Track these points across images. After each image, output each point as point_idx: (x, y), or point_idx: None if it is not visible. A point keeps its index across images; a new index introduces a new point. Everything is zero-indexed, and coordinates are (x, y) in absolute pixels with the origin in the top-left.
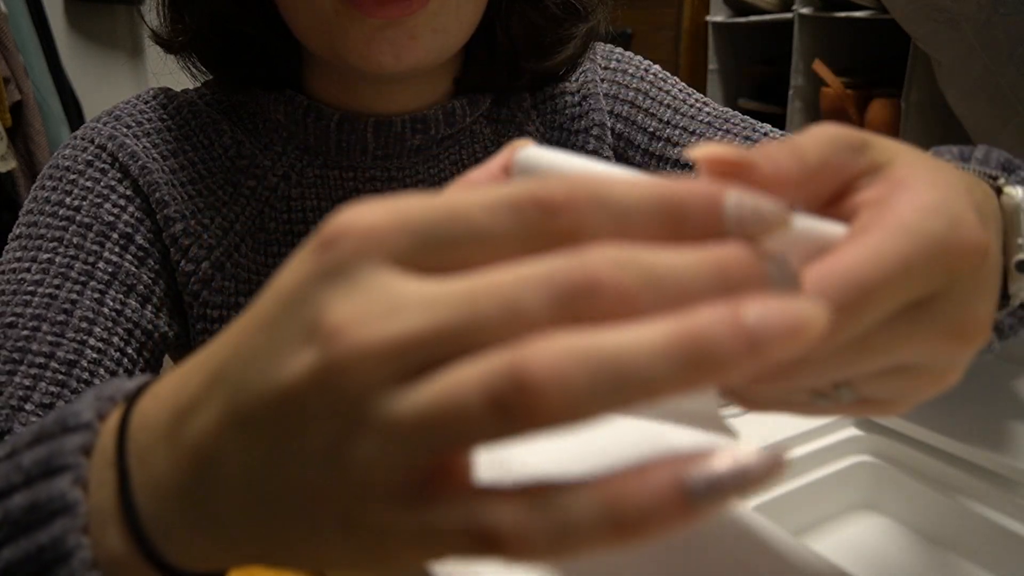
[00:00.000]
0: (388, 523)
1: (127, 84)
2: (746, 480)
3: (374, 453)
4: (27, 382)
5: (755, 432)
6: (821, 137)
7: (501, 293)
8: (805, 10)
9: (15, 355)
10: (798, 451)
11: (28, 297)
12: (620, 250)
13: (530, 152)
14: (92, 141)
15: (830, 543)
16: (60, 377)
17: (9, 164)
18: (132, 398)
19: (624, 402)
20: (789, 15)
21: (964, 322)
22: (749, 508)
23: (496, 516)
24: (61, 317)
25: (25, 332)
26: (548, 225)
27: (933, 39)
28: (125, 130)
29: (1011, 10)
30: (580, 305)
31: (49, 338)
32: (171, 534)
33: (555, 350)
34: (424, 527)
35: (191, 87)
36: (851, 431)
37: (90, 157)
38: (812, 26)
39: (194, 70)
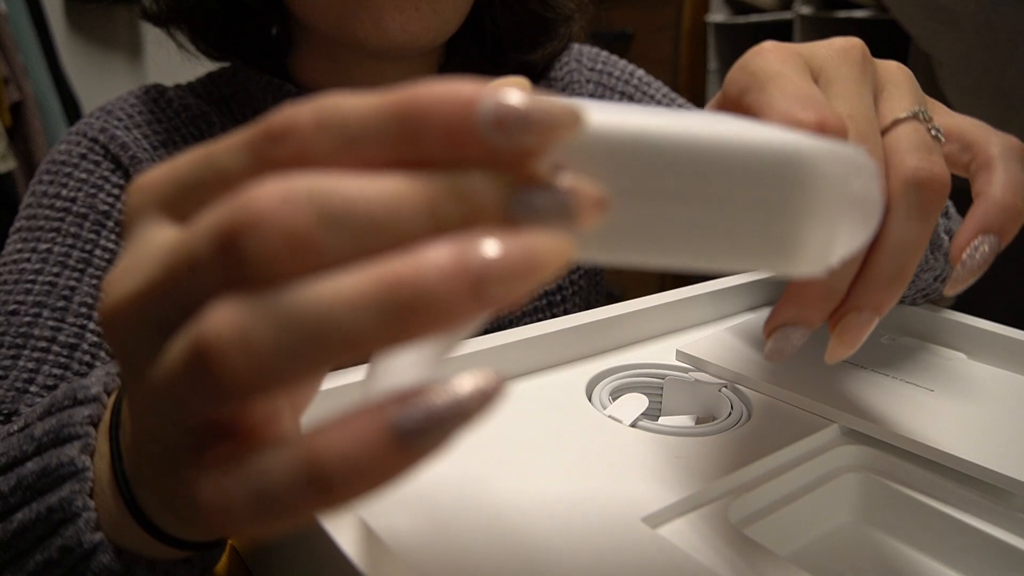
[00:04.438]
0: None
1: (127, 84)
2: (464, 409)
3: (151, 414)
4: (31, 365)
5: (733, 451)
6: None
7: (186, 243)
8: (805, 10)
9: (18, 340)
10: (785, 468)
11: (29, 285)
12: (291, 181)
13: None
14: (85, 135)
15: (828, 564)
16: (63, 360)
17: (9, 164)
18: None
19: (324, 360)
20: (789, 15)
21: None
22: (742, 533)
23: (203, 483)
24: (61, 303)
25: (27, 319)
26: (274, 154)
27: (933, 39)
28: (116, 123)
29: (1011, 10)
30: (250, 251)
31: (51, 323)
32: (150, 502)
33: (235, 310)
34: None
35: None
36: (838, 445)
37: (83, 151)
38: (812, 26)
39: (189, 46)
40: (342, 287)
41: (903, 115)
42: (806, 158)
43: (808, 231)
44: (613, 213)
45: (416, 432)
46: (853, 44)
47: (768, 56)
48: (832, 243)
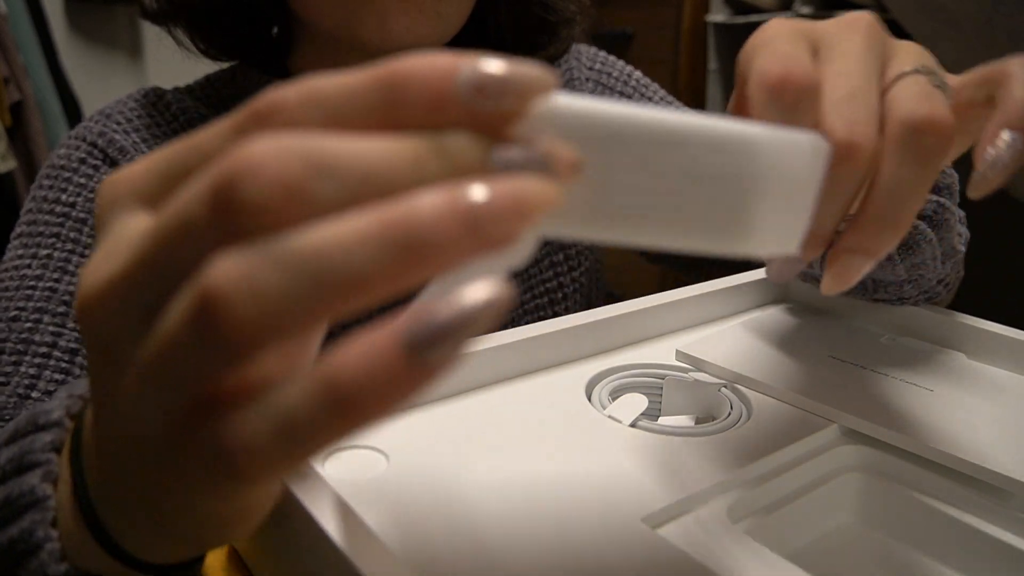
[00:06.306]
0: (172, 481)
1: (127, 84)
2: (471, 319)
3: (134, 401)
4: (32, 371)
5: (733, 451)
6: None
7: (175, 210)
8: (805, 10)
9: (20, 346)
10: (785, 468)
11: (30, 291)
12: (281, 138)
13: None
14: (84, 139)
15: (828, 564)
16: (64, 365)
17: (9, 164)
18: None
19: (332, 302)
20: (789, 15)
21: None
22: (742, 533)
23: (225, 428)
24: (62, 309)
25: (28, 324)
26: (261, 132)
27: (933, 39)
28: (115, 126)
29: (1011, 10)
30: (245, 199)
31: (51, 329)
32: (117, 526)
33: (238, 259)
34: (185, 467)
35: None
36: (838, 445)
37: (83, 155)
38: None
39: (188, 44)
40: (341, 230)
41: (905, 70)
42: (751, 137)
43: (757, 207)
44: (580, 186)
45: (427, 343)
46: (860, 16)
47: (767, 29)
48: (791, 225)
